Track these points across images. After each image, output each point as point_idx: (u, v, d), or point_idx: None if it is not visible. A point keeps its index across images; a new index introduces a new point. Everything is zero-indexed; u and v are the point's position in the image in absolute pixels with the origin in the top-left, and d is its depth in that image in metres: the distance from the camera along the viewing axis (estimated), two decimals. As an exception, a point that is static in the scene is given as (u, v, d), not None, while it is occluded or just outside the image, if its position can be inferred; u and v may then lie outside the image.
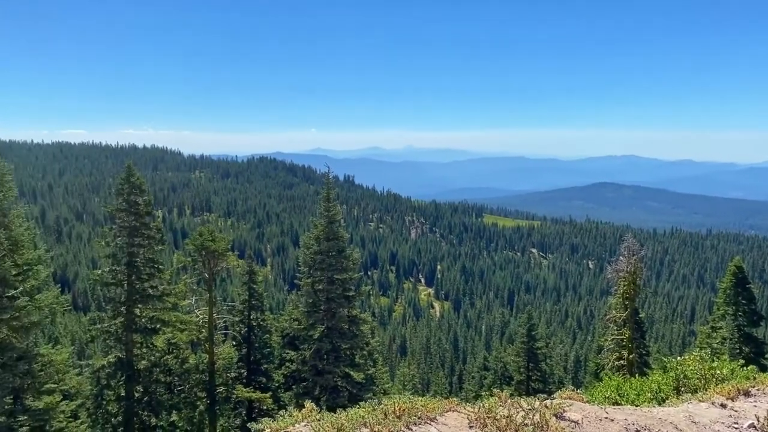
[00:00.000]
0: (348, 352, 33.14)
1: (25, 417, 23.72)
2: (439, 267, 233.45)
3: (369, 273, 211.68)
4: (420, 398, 6.74)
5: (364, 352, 35.63)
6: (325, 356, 32.52)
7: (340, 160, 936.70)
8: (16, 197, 25.70)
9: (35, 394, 24.32)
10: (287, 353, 35.21)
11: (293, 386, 34.88)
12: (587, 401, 8.90)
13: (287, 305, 63.21)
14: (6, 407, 23.34)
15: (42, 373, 24.47)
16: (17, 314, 23.49)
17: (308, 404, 6.56)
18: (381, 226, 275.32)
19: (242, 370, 35.94)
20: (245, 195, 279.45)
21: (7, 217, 23.90)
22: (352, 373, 32.01)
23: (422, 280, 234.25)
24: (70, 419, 26.05)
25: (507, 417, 6.38)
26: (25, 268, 24.16)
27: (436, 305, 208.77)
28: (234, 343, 36.25)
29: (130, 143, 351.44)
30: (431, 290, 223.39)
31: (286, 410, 6.61)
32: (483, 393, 54.81)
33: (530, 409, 6.69)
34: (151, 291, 29.84)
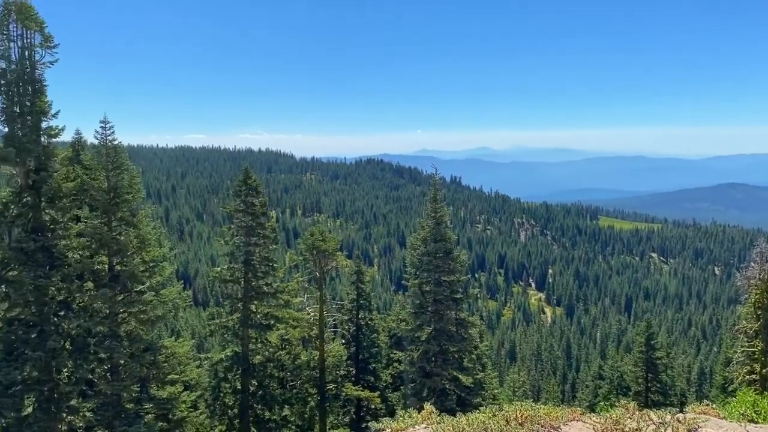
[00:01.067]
0: (456, 355, 32.66)
1: (151, 405, 25.27)
2: (550, 271, 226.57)
3: (476, 275, 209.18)
4: (543, 406, 6.34)
5: (473, 356, 35.01)
6: (433, 358, 32.23)
7: (447, 160, 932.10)
8: (144, 198, 27.48)
9: (159, 383, 25.85)
10: (394, 353, 35.30)
11: (401, 387, 34.90)
12: (723, 417, 8.06)
13: (394, 305, 63.46)
14: (133, 395, 24.98)
15: (166, 364, 25.94)
16: (144, 308, 25.09)
17: (428, 406, 6.40)
18: (488, 227, 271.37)
19: (351, 369, 36.42)
20: (353, 196, 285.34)
21: (136, 217, 25.57)
22: (460, 376, 31.51)
23: (532, 284, 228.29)
24: (191, 409, 27.48)
25: (636, 430, 5.84)
26: (151, 264, 25.74)
27: (548, 310, 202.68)
28: (343, 341, 36.83)
29: (246, 147, 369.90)
30: (542, 295, 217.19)
31: (405, 411, 6.47)
32: (598, 403, 52.36)
33: (661, 423, 6.10)
34: (266, 288, 30.89)
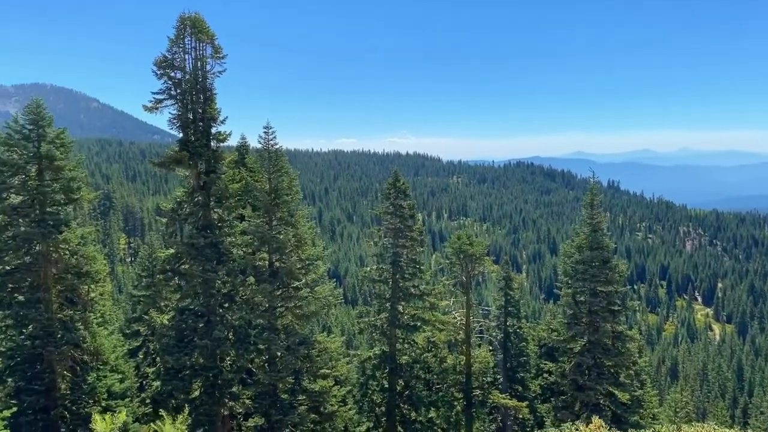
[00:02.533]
0: (612, 370, 30.67)
1: (304, 397, 26.37)
2: (720, 285, 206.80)
3: (635, 287, 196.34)
4: (727, 430, 5.57)
5: (630, 372, 32.68)
6: (587, 371, 30.51)
7: (604, 164, 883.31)
8: (301, 200, 28.83)
9: (312, 376, 26.90)
10: (545, 364, 33.91)
11: (551, 399, 33.45)
12: None
13: (544, 314, 61.25)
14: (288, 386, 26.21)
15: (318, 358, 26.96)
16: (300, 303, 26.28)
17: (596, 420, 5.91)
18: (650, 236, 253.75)
19: (498, 376, 35.58)
20: (501, 200, 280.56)
21: (294, 217, 26.91)
22: (616, 392, 29.53)
23: (698, 299, 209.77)
24: (341, 404, 28.28)
25: None
26: (307, 262, 26.94)
27: (716, 327, 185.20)
28: (490, 347, 36.09)
29: (394, 150, 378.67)
30: (709, 310, 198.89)
31: (573, 423, 6.03)
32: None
33: None
34: (412, 290, 31.12)
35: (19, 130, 22.97)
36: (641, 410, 33.26)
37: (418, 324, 31.43)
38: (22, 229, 22.91)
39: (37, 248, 23.21)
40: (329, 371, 27.60)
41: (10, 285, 23.26)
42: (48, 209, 23.27)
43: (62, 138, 23.53)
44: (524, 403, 33.18)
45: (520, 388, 35.51)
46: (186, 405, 23.02)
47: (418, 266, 31.61)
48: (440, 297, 32.49)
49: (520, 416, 34.06)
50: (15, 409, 18.61)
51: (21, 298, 23.32)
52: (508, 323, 36.20)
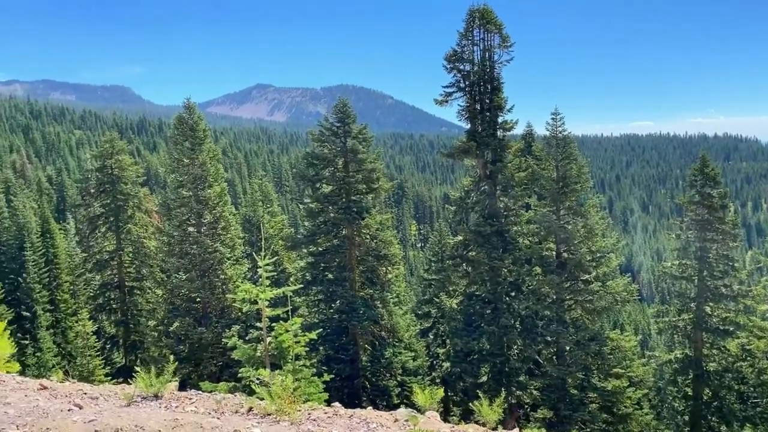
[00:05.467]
0: None
1: (595, 395, 25.07)
2: None
3: None
4: None
5: None
6: None
7: None
8: (590, 188, 27.38)
9: (603, 375, 25.44)
10: None
11: None
12: None
13: None
14: (577, 382, 25.16)
15: (611, 356, 25.41)
16: (590, 297, 25.05)
17: None
18: None
19: (838, 398, 29.43)
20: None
21: (583, 207, 25.72)
22: None
23: None
24: (636, 407, 26.25)
25: None
26: (597, 255, 25.55)
27: None
28: (827, 363, 29.99)
29: (699, 132, 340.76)
30: None
31: None
32: None
33: None
34: (724, 290, 27.39)
35: (329, 128, 26.22)
36: None
37: (730, 329, 27.53)
38: (332, 215, 26.18)
39: (344, 232, 26.29)
40: (623, 371, 25.83)
41: (322, 264, 26.79)
42: (353, 197, 26.07)
43: (364, 133, 26.14)
44: None
45: None
46: (474, 388, 23.61)
47: (731, 263, 27.65)
48: (759, 300, 27.98)
49: None
50: (332, 376, 21.13)
51: (330, 276, 26.75)
52: None
